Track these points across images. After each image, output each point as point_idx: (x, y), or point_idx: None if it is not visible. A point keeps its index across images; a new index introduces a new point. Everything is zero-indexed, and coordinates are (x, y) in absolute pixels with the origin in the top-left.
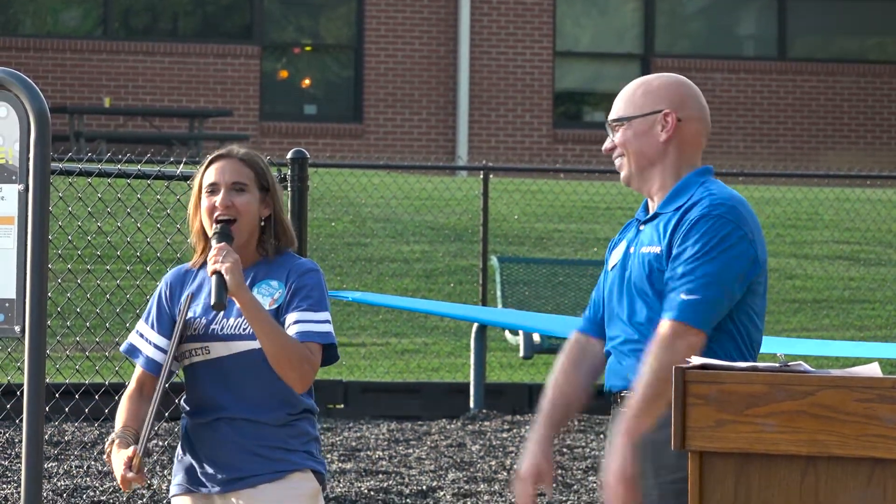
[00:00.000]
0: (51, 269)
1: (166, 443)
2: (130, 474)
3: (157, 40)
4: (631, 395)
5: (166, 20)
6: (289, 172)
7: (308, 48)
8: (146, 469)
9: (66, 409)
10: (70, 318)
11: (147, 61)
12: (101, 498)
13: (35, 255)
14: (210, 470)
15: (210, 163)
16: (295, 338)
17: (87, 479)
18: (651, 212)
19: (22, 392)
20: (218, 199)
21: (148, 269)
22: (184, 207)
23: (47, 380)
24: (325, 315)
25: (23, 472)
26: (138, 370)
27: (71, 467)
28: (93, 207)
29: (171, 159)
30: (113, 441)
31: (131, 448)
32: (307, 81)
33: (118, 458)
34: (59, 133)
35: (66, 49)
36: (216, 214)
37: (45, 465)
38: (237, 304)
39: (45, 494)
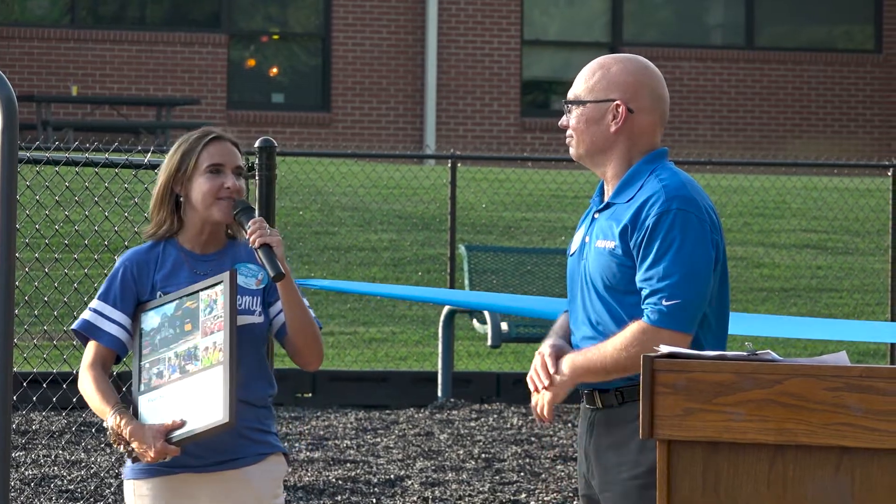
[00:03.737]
0: (18, 258)
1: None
2: (171, 446)
3: (124, 29)
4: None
5: (134, 8)
6: (256, 161)
7: (276, 37)
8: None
9: (34, 399)
10: (37, 306)
11: (114, 50)
12: (69, 487)
13: (2, 244)
14: (193, 450)
15: (208, 141)
16: None
17: (55, 468)
18: (605, 199)
19: None
20: (228, 181)
21: (116, 257)
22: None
23: (14, 369)
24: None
25: None
26: (95, 348)
27: (39, 457)
28: (60, 196)
29: (139, 148)
30: (117, 418)
31: (171, 420)
32: (275, 70)
33: (142, 430)
34: (26, 122)
35: (33, 37)
36: (221, 195)
37: (13, 455)
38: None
39: (12, 484)
